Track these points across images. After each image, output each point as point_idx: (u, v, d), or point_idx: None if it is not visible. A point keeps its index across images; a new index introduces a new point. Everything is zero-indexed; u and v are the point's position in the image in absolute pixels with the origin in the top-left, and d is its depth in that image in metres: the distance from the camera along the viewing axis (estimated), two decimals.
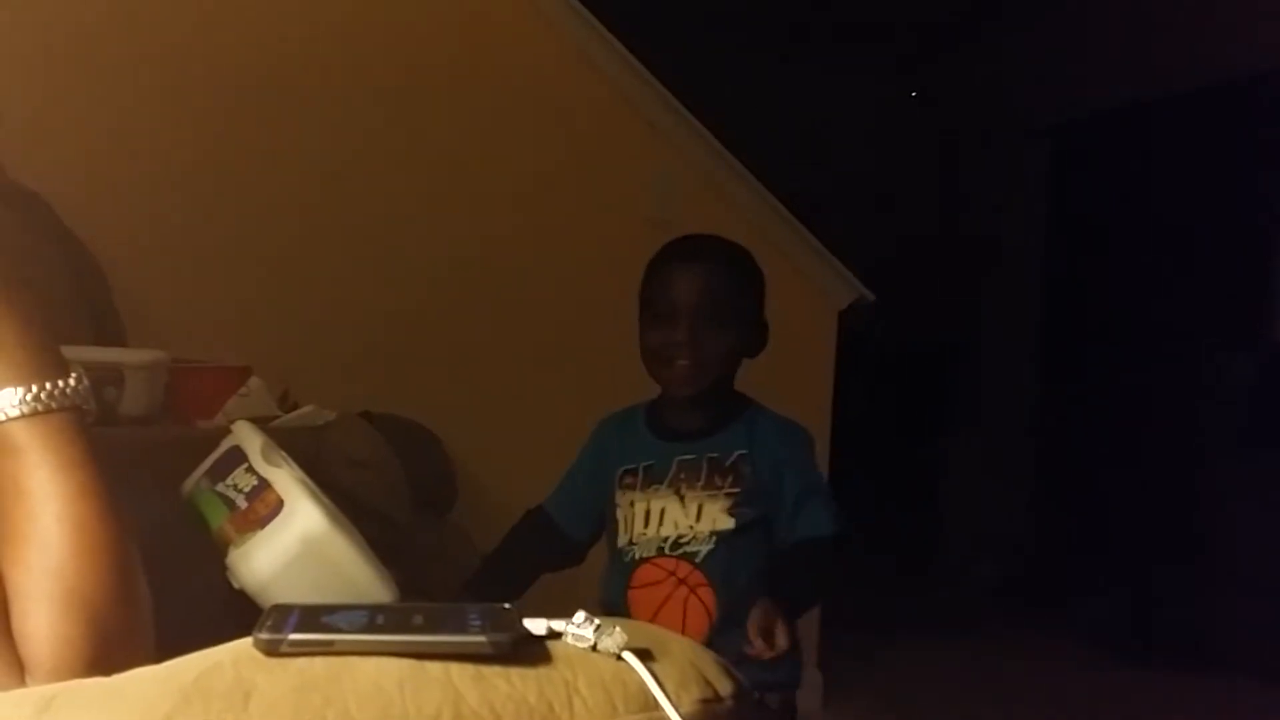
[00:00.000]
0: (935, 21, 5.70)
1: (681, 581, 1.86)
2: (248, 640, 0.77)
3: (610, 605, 1.92)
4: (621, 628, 0.83)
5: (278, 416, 2.17)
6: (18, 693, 0.79)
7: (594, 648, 0.82)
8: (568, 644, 0.82)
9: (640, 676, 0.80)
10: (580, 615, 0.83)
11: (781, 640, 1.67)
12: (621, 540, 1.92)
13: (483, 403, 3.15)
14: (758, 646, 1.66)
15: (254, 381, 2.17)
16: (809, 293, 3.36)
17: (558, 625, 0.83)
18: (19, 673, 0.83)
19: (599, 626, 0.82)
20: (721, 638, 1.80)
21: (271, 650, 0.76)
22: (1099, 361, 5.11)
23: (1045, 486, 5.40)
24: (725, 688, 0.85)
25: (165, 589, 0.93)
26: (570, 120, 3.27)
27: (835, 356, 3.41)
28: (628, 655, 0.81)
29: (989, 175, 5.88)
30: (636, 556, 1.89)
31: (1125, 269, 4.97)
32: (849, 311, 3.43)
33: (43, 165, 2.61)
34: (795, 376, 3.40)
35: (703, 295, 1.85)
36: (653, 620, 1.85)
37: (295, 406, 2.29)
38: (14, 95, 2.54)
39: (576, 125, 3.27)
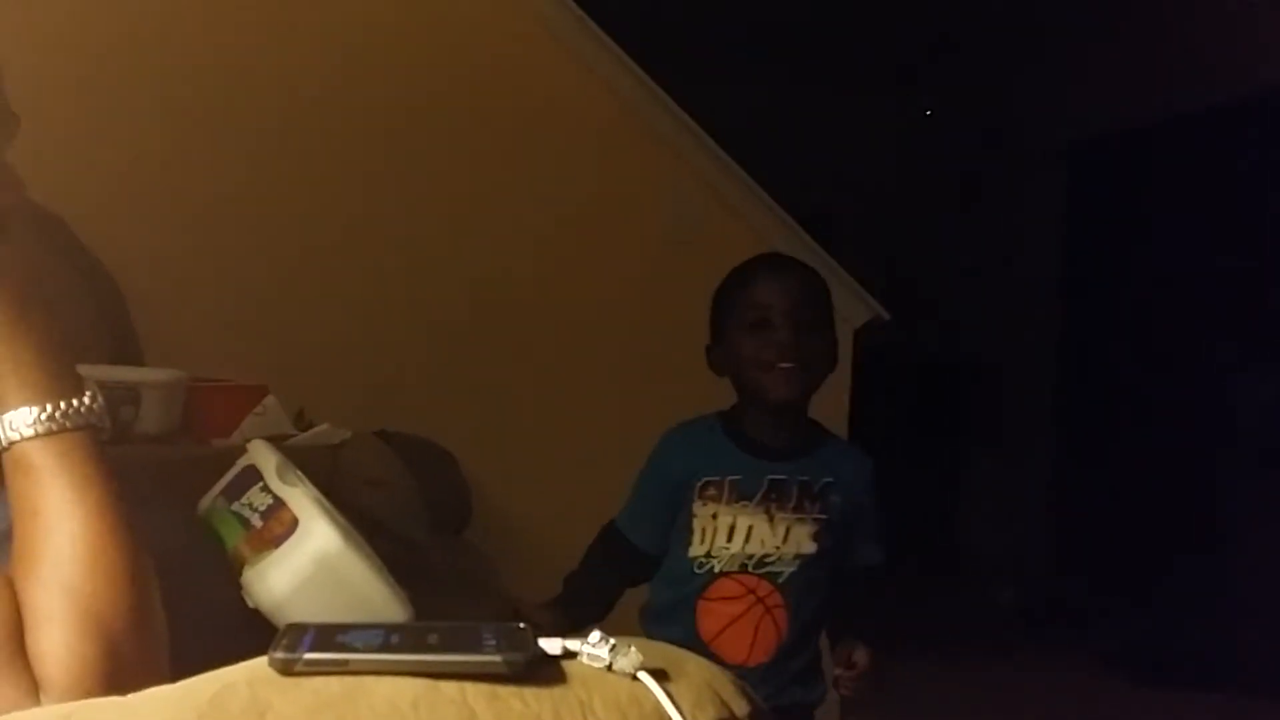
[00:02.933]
0: (951, 40, 5.69)
1: (760, 600, 1.88)
2: (263, 660, 0.77)
3: (669, 609, 1.92)
4: (637, 647, 0.82)
5: (293, 435, 2.17)
6: (34, 711, 0.80)
7: (609, 667, 0.81)
8: (583, 663, 0.82)
9: (656, 697, 0.80)
10: (595, 634, 0.83)
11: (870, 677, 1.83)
12: (696, 550, 1.90)
13: (498, 421, 3.15)
14: (848, 676, 1.82)
15: (270, 400, 2.18)
16: None
17: (573, 645, 0.83)
18: (35, 692, 0.83)
19: (614, 646, 0.82)
20: (785, 659, 1.84)
21: (287, 670, 0.76)
22: (1118, 381, 5.08)
23: (1063, 506, 5.37)
24: (741, 708, 0.85)
25: (181, 608, 0.92)
26: (586, 141, 3.27)
27: (852, 375, 3.40)
28: (643, 675, 0.81)
29: (1006, 192, 5.87)
30: (715, 569, 1.89)
31: (1144, 288, 4.95)
32: (865, 329, 3.42)
33: (63, 186, 2.62)
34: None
35: (800, 302, 1.89)
36: (721, 634, 1.87)
37: (310, 425, 2.29)
38: (36, 117, 2.55)
39: (592, 145, 3.28)
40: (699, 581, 1.90)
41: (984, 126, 5.96)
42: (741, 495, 1.89)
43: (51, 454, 0.87)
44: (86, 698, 0.80)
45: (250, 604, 1.25)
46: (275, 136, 3.07)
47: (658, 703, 0.80)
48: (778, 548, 1.87)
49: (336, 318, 3.10)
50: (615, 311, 3.27)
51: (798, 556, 1.88)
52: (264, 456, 1.40)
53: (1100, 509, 5.02)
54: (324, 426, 2.25)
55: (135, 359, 2.41)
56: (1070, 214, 5.51)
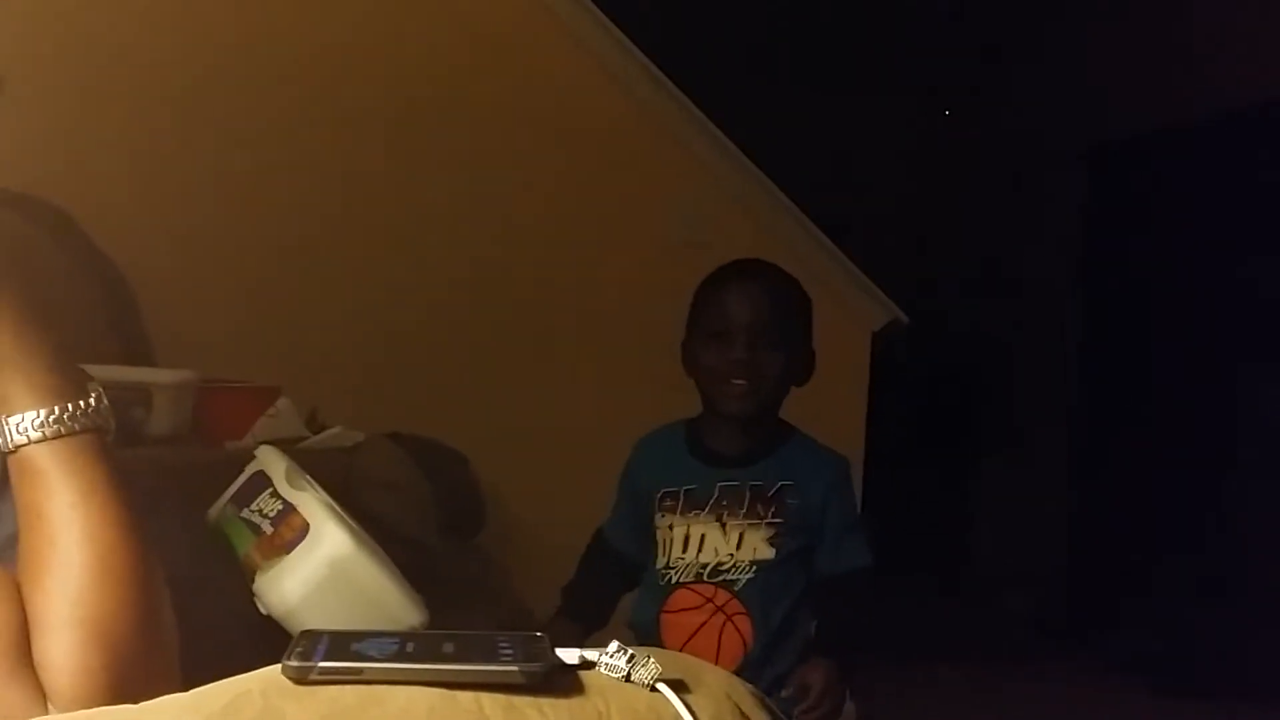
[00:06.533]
0: (971, 41, 5.67)
1: (719, 609, 1.86)
2: (276, 668, 0.77)
3: (641, 626, 1.91)
4: (656, 658, 0.81)
5: (306, 437, 2.16)
6: None
7: (627, 678, 0.80)
8: (601, 674, 0.81)
9: (675, 708, 0.79)
10: (614, 645, 0.82)
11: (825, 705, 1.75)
12: (659, 563, 1.91)
13: (512, 424, 3.13)
14: (804, 708, 1.74)
15: (282, 402, 2.17)
16: (842, 314, 3.33)
17: (591, 655, 0.82)
18: (42, 699, 0.82)
19: (632, 657, 0.81)
20: (757, 668, 1.80)
21: (301, 678, 0.75)
22: (1135, 387, 5.06)
23: (1079, 513, 5.35)
24: None
25: (193, 614, 0.92)
26: (602, 141, 3.26)
27: (869, 379, 3.38)
28: (662, 686, 0.80)
29: (1025, 195, 5.85)
30: (673, 580, 1.88)
31: (1162, 293, 4.93)
32: (882, 333, 3.41)
33: (74, 185, 2.62)
34: (829, 399, 3.37)
35: (760, 316, 1.87)
36: (686, 646, 1.85)
37: (323, 427, 2.28)
38: (47, 117, 2.55)
39: (608, 146, 3.26)
40: (661, 594, 1.90)
41: (1004, 129, 5.94)
42: (694, 505, 1.88)
43: (57, 457, 0.86)
44: (93, 705, 0.79)
45: (263, 610, 1.24)
46: (288, 137, 3.06)
47: (676, 714, 0.79)
48: (731, 555, 1.86)
49: (350, 319, 3.09)
50: (631, 315, 3.25)
51: (754, 563, 1.85)
52: (273, 462, 1.40)
53: (1116, 516, 5.00)
54: (337, 429, 2.24)
55: (146, 359, 2.41)
56: (1089, 217, 5.49)
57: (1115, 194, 5.29)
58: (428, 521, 2.11)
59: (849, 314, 3.35)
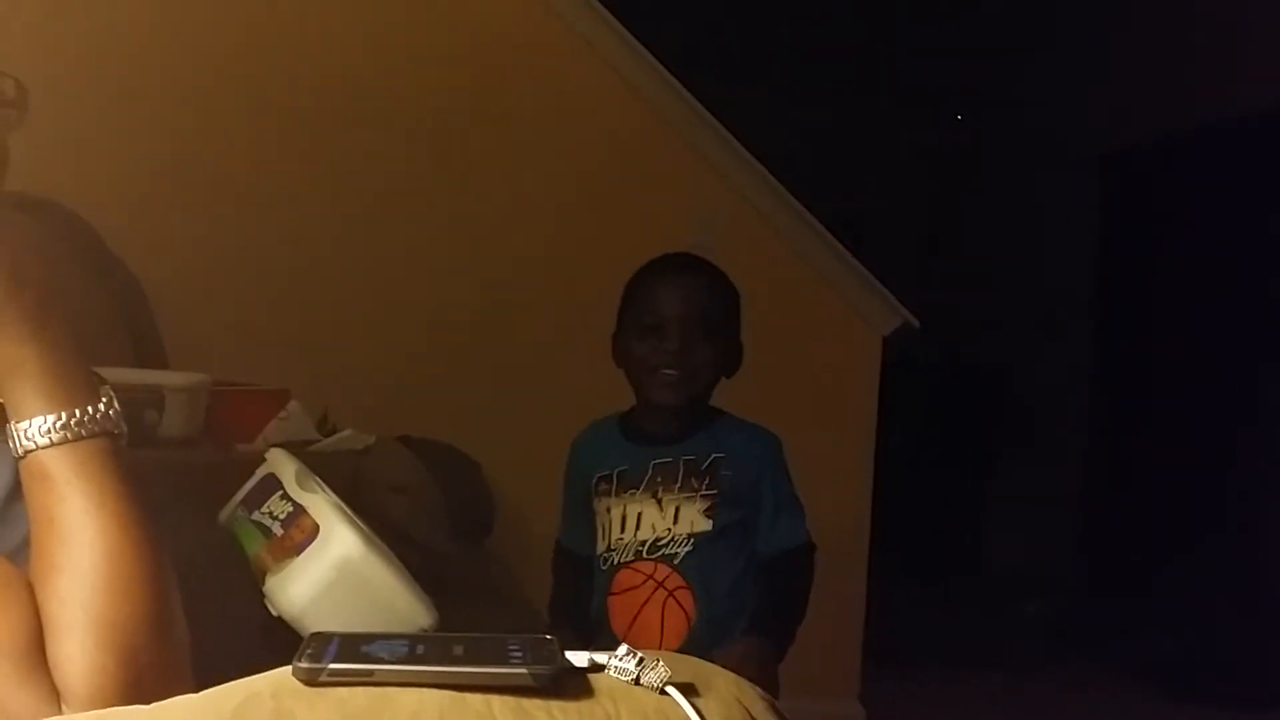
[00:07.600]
0: (985, 46, 5.66)
1: (659, 584, 1.87)
2: (287, 669, 0.76)
3: (594, 615, 1.92)
4: (665, 661, 0.81)
5: (317, 440, 2.17)
6: None
7: (637, 681, 0.80)
8: (610, 677, 0.81)
9: (684, 711, 0.78)
10: (623, 648, 0.81)
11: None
12: (600, 547, 1.93)
13: (522, 428, 3.13)
14: None
15: (293, 405, 2.17)
16: (853, 318, 3.34)
17: (600, 658, 0.82)
18: (56, 701, 0.82)
19: (642, 660, 0.80)
20: (704, 643, 1.80)
21: (311, 680, 0.75)
22: (1149, 391, 5.04)
23: (1092, 517, 5.33)
24: None
25: (205, 616, 0.92)
26: (614, 146, 3.26)
27: (880, 382, 3.38)
28: (671, 690, 0.80)
29: (1039, 199, 5.84)
30: (615, 561, 1.90)
31: (1177, 294, 4.91)
32: (895, 337, 3.40)
33: (88, 189, 2.63)
34: (841, 403, 3.38)
35: (692, 309, 1.90)
36: (632, 624, 1.87)
37: (334, 430, 2.29)
38: (61, 120, 2.56)
39: (620, 151, 3.27)
40: (607, 578, 1.91)
41: (1017, 133, 5.93)
42: (629, 484, 1.91)
43: (68, 463, 0.86)
44: (106, 706, 0.79)
45: (274, 612, 1.24)
46: (300, 139, 3.07)
47: (685, 717, 0.78)
48: (669, 529, 1.87)
49: (361, 322, 3.09)
50: None
51: (691, 535, 1.87)
52: (283, 464, 1.40)
53: (1130, 520, 4.98)
54: (348, 432, 2.25)
55: (159, 362, 2.42)
56: (1103, 221, 5.47)
57: (1129, 198, 5.28)
58: (438, 525, 2.12)
59: (861, 318, 3.35)
